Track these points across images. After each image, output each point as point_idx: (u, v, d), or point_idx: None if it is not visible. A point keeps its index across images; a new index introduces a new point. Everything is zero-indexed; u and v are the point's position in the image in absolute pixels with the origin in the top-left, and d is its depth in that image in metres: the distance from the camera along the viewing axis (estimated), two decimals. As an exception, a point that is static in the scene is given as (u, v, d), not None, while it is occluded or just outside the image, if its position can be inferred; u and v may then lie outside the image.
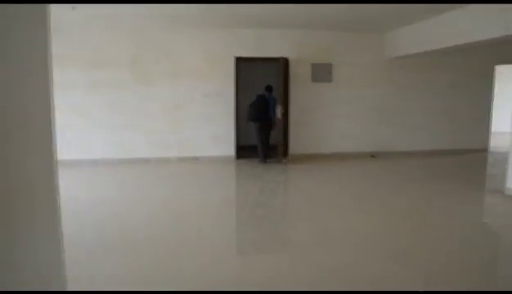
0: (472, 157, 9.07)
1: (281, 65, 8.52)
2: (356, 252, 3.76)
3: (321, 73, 8.70)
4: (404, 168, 7.93)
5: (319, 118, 8.85)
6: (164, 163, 8.26)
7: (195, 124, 8.54)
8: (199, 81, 8.45)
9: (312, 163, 8.26)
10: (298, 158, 8.66)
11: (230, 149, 8.62)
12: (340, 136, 8.98)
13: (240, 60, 8.56)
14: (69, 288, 2.31)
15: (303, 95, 8.72)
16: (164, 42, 8.33)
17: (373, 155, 8.98)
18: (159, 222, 4.68)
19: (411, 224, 4.59)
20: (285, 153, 8.85)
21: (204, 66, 8.43)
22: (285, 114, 8.72)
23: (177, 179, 7.06)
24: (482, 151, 9.60)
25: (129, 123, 8.39)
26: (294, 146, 8.81)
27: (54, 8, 2.92)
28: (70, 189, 5.72)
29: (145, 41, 8.26)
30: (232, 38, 8.40)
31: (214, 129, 8.57)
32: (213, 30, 8.30)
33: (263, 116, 8.12)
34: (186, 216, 4.88)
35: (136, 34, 8.20)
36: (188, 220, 4.77)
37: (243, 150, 9.01)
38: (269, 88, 8.26)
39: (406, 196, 5.72)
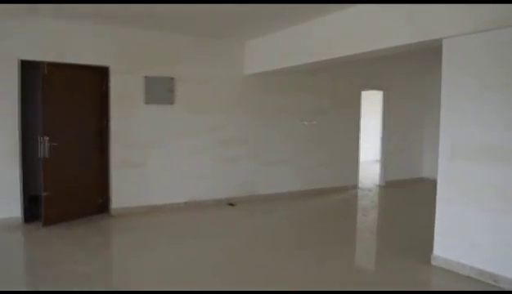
0: (348, 197, 7.58)
1: (96, 77, 5.77)
2: None
3: (159, 90, 6.13)
4: (272, 222, 5.84)
5: (157, 155, 6.22)
6: None
7: None
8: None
9: (146, 223, 5.56)
10: (129, 215, 5.86)
11: (13, 207, 5.32)
12: (188, 180, 6.49)
13: (29, 66, 5.41)
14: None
15: (132, 123, 6.01)
16: None
17: (231, 203, 6.74)
18: None
19: None
20: (105, 208, 5.97)
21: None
22: (105, 152, 5.92)
23: None
24: (353, 188, 8.26)
25: None
26: (122, 198, 5.97)
27: None
28: None
29: None
30: (18, 32, 5.24)
31: (-16, 175, 5.21)
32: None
33: None
34: None
35: None
36: None
37: (39, 205, 5.70)
38: None
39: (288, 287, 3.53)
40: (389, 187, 8.59)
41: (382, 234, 5.28)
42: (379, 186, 8.69)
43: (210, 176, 6.68)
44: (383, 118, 8.81)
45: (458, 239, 3.80)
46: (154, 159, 6.20)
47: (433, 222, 4.00)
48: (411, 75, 9.09)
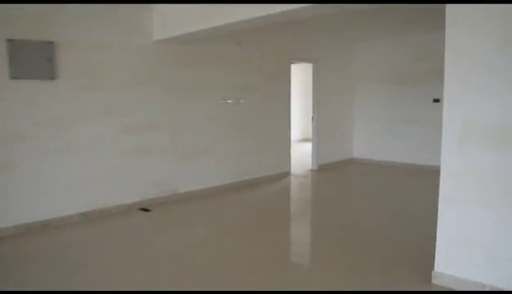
0: (284, 188, 6.46)
1: None
2: None
3: (32, 60, 4.31)
4: (199, 234, 4.42)
5: (34, 151, 4.41)
6: None
7: None
8: None
9: (21, 253, 3.84)
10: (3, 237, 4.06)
11: None
12: (84, 183, 4.78)
13: None
14: None
15: (-10, 107, 4.16)
16: None
17: (145, 208, 5.21)
18: None
19: None
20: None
21: None
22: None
23: None
24: (286, 175, 7.19)
25: None
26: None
27: None
28: None
29: None
30: None
31: None
32: None
33: None
34: None
35: None
36: None
37: None
38: None
39: None
40: (323, 171, 7.72)
41: (347, 241, 4.12)
42: (313, 171, 7.77)
43: (114, 175, 5.06)
44: (313, 95, 7.84)
45: (472, 252, 2.84)
46: (29, 157, 4.39)
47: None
48: (340, 45, 8.23)
